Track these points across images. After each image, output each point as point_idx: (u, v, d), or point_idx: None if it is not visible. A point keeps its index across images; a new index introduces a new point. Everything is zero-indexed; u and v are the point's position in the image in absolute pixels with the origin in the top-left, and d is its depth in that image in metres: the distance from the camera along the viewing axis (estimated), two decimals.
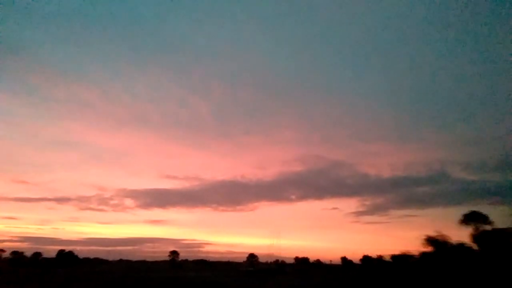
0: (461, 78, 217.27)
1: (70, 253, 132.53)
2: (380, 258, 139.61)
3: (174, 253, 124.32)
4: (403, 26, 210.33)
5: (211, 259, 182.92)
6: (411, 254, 50.49)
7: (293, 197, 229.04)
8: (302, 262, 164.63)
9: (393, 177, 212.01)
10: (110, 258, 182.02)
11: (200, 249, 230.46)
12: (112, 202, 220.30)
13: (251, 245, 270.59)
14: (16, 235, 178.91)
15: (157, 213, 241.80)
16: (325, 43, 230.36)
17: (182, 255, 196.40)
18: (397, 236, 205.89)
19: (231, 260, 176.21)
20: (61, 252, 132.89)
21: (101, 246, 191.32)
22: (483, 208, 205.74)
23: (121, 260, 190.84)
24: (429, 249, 44.36)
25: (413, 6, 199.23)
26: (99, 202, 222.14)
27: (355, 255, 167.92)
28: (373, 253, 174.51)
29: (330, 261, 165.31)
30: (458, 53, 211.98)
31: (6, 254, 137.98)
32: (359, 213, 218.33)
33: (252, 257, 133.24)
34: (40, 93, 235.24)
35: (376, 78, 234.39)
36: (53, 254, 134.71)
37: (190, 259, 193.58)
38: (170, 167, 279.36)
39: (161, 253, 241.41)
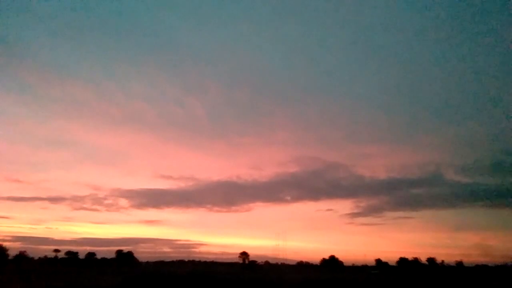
0: (455, 81, 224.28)
1: (130, 253, 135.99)
2: (416, 260, 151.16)
3: (244, 254, 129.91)
4: (399, 28, 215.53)
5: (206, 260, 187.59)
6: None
7: (288, 198, 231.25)
8: (330, 263, 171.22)
9: (387, 179, 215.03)
10: None
11: (194, 249, 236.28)
12: (106, 202, 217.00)
13: (245, 246, 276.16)
14: (9, 234, 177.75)
15: (151, 213, 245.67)
16: (321, 45, 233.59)
17: (176, 256, 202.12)
18: (391, 237, 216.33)
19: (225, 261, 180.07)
20: (119, 252, 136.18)
21: (95, 246, 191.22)
22: (477, 210, 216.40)
23: None
24: None
25: (409, 9, 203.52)
26: (93, 202, 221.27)
27: (390, 257, 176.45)
28: (376, 255, 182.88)
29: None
30: (453, 56, 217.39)
31: (61, 254, 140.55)
32: (353, 215, 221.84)
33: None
34: (34, 92, 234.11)
35: (371, 80, 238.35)
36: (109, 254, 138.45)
37: (184, 259, 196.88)
38: (165, 167, 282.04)
39: (160, 253, 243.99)
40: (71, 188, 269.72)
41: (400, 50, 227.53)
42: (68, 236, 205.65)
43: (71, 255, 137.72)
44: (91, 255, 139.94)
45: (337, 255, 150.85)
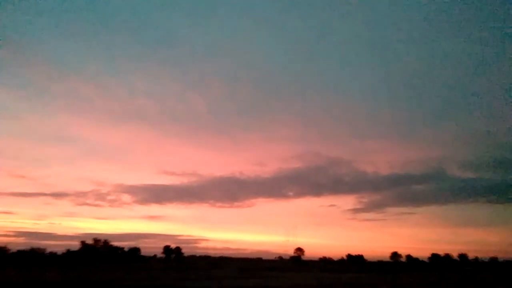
0: (458, 76, 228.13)
1: (178, 248, 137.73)
2: (447, 256, 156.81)
3: (299, 250, 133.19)
4: (401, 25, 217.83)
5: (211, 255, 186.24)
6: None
7: (291, 193, 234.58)
8: (356, 260, 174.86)
9: (390, 174, 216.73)
10: None
11: (197, 245, 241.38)
12: (109, 197, 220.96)
13: (248, 242, 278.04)
14: (12, 230, 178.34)
15: (154, 208, 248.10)
16: (323, 40, 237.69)
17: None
18: (393, 233, 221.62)
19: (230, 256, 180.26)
20: (167, 247, 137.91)
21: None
22: (481, 206, 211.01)
23: None
24: None
25: (410, 5, 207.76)
26: (96, 198, 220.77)
27: (422, 253, 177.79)
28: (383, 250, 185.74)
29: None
30: (455, 51, 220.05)
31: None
32: (356, 210, 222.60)
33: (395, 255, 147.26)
34: (37, 87, 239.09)
35: (374, 75, 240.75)
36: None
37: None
38: (168, 163, 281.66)
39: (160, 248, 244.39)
40: (74, 183, 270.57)
41: (403, 46, 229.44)
42: (71, 232, 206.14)
43: (117, 250, 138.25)
44: (135, 250, 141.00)
45: (338, 251, 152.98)
